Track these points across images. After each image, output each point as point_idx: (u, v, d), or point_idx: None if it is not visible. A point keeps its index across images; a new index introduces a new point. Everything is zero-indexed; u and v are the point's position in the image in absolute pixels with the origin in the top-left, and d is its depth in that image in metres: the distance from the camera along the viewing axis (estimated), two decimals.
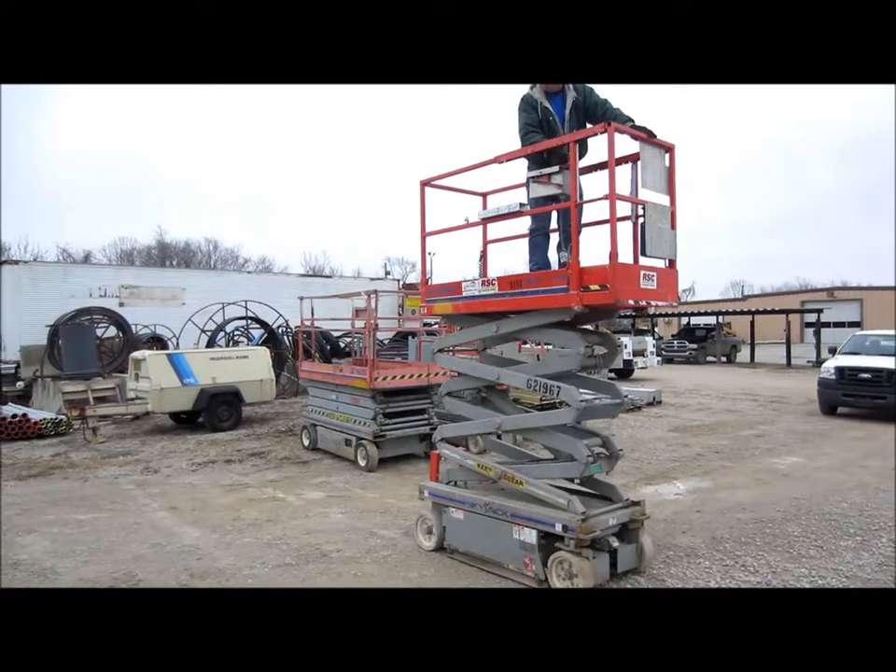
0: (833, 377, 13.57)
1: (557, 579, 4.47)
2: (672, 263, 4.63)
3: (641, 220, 4.46)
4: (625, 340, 22.48)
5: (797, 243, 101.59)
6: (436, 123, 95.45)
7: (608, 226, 4.23)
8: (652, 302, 4.51)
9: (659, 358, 25.79)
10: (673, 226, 4.58)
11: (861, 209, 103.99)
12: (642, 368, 22.64)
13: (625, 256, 4.46)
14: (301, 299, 11.15)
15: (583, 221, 4.73)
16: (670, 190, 4.60)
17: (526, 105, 5.07)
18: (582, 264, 4.36)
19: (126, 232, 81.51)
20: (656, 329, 41.64)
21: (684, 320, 42.04)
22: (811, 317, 37.27)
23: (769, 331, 42.86)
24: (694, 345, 31.77)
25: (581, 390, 4.71)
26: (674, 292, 4.64)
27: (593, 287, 4.24)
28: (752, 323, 33.92)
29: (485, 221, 5.29)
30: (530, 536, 4.61)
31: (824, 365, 14.49)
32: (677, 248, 4.61)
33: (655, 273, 4.46)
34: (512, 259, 5.16)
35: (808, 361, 29.22)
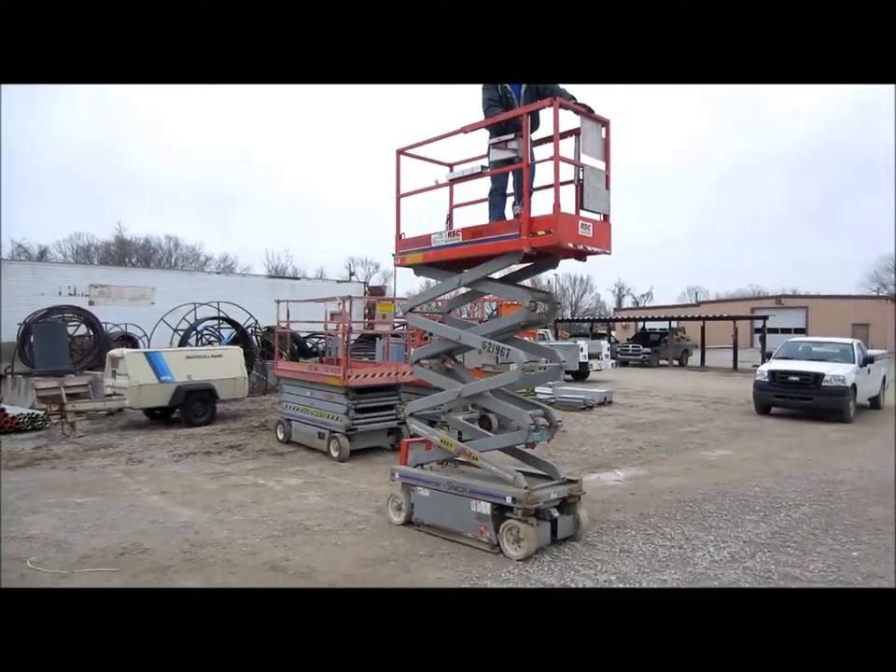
0: (767, 380, 14.80)
1: (507, 543, 5.36)
2: (606, 218, 5.57)
3: (581, 181, 5.35)
4: (581, 343, 23.65)
5: (753, 250, 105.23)
6: (404, 121, 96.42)
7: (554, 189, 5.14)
8: (589, 248, 5.42)
9: (614, 361, 27.04)
10: (607, 187, 5.52)
11: (815, 219, 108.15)
12: (597, 370, 23.77)
13: (570, 211, 5.33)
14: (279, 302, 11.87)
15: (535, 185, 5.68)
16: (606, 157, 5.54)
17: (489, 83, 5.90)
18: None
19: (82, 228, 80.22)
20: (613, 333, 43.18)
21: (640, 325, 43.68)
22: (760, 323, 39.21)
23: (720, 336, 44.76)
24: (648, 349, 33.10)
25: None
26: (607, 242, 5.58)
27: (539, 232, 5.16)
28: (703, 328, 35.56)
29: (452, 182, 6.17)
30: (485, 508, 5.49)
31: (759, 369, 15.75)
32: (610, 205, 5.56)
33: (591, 224, 5.39)
34: (476, 222, 5.99)
35: (753, 365, 30.80)
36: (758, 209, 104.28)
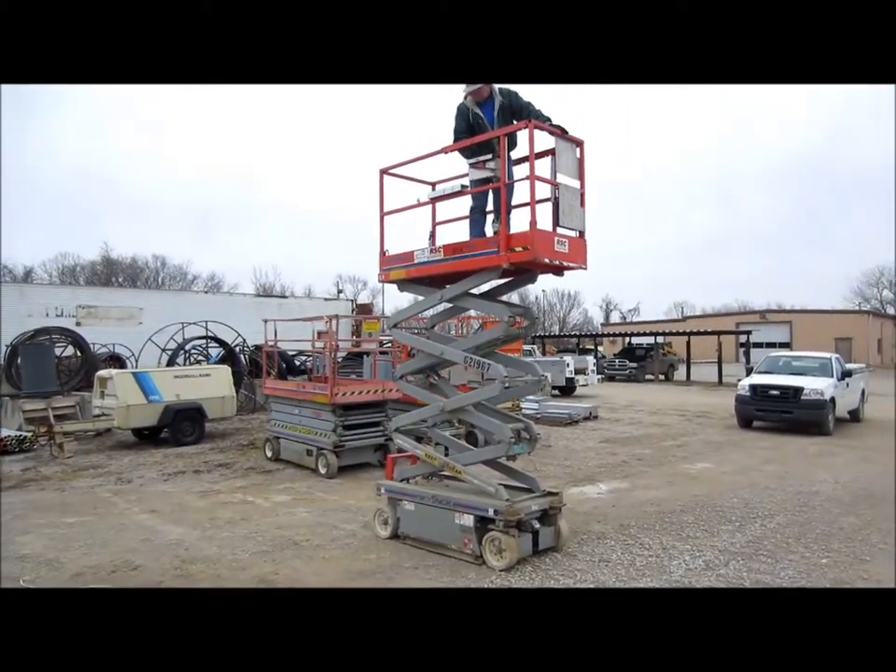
0: (748, 394, 15.09)
1: (490, 554, 5.53)
2: (581, 234, 5.79)
3: (556, 198, 5.56)
4: (568, 359, 23.89)
5: (738, 264, 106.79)
6: (396, 134, 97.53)
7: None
8: (565, 263, 5.64)
9: (600, 376, 27.30)
10: (582, 204, 5.75)
11: (797, 234, 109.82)
12: (583, 385, 24.00)
13: (546, 228, 5.53)
14: (266, 321, 12.03)
15: (513, 203, 5.91)
16: (580, 176, 5.77)
17: (459, 112, 6.16)
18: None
19: (67, 248, 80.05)
20: (600, 348, 43.56)
21: (626, 340, 44.10)
22: (744, 338, 39.71)
23: (706, 351, 45.27)
24: (634, 364, 33.46)
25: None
26: (583, 257, 5.81)
27: (517, 248, 5.37)
28: (688, 343, 35.98)
29: (434, 200, 6.40)
30: (468, 520, 5.67)
31: (740, 383, 16.02)
32: (585, 222, 5.79)
33: (567, 240, 5.61)
34: (457, 239, 6.20)
35: (737, 379, 31.23)
36: (742, 223, 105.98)
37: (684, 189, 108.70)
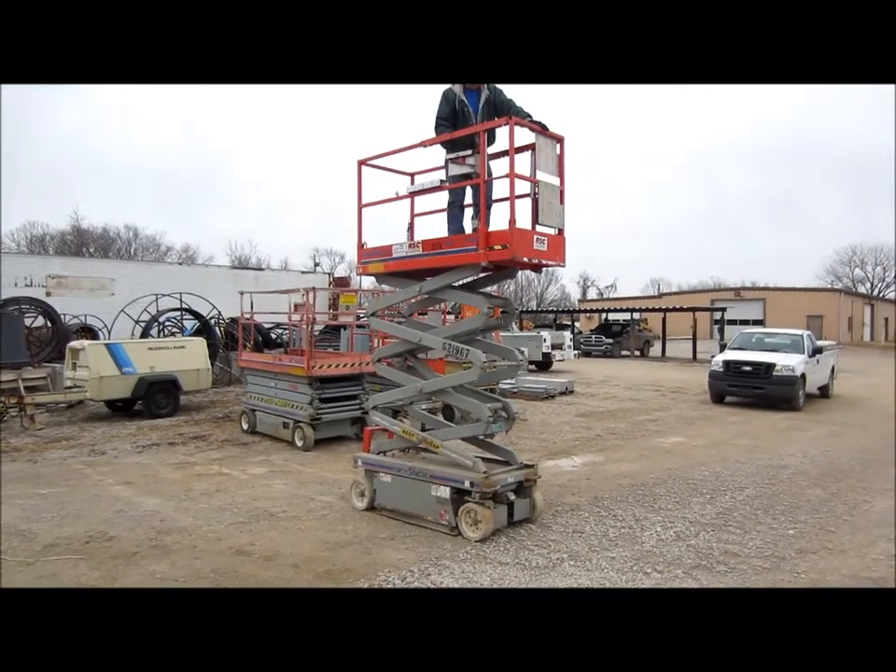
0: (721, 369, 15.33)
1: (466, 525, 5.58)
2: (560, 231, 5.77)
3: (536, 196, 5.52)
4: (545, 334, 24.01)
5: (713, 243, 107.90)
6: (376, 117, 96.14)
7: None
8: (544, 261, 5.63)
9: (576, 352, 27.48)
10: (561, 201, 5.72)
11: (772, 213, 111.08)
12: (560, 360, 24.16)
13: (525, 226, 5.51)
14: (242, 294, 11.88)
15: (493, 197, 5.83)
16: (560, 173, 5.73)
17: (444, 98, 6.04)
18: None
19: (36, 216, 78.12)
20: (577, 324, 43.84)
21: (603, 316, 44.39)
22: (719, 315, 40.19)
23: (681, 327, 45.77)
24: (611, 340, 33.76)
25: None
26: (562, 254, 5.79)
27: (496, 246, 5.33)
28: (664, 320, 36.35)
29: (413, 195, 6.33)
30: (445, 492, 5.71)
31: (714, 359, 16.26)
32: (564, 219, 5.76)
33: (546, 238, 5.59)
34: (435, 231, 6.15)
35: (711, 356, 31.67)
36: (719, 203, 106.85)
37: (663, 170, 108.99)
